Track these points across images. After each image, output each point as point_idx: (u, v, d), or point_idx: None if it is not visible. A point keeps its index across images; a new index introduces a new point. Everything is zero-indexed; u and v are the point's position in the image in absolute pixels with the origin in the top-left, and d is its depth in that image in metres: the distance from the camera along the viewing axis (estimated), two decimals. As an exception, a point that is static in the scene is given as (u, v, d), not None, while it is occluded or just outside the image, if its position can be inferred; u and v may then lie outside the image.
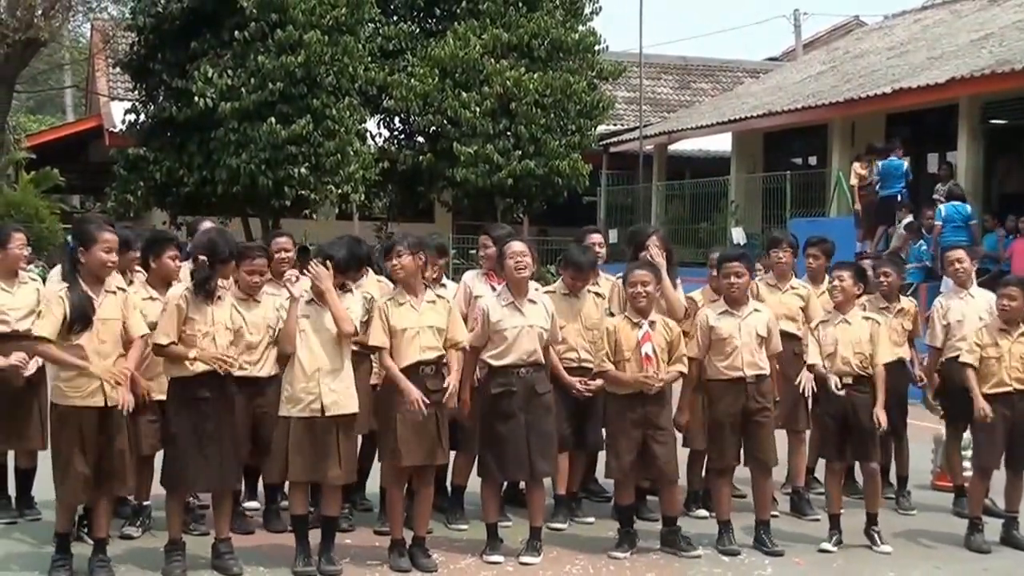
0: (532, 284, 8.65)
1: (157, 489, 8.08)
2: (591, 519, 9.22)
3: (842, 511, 8.87)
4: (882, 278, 9.93)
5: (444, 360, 7.93)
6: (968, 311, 9.60)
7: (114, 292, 7.44)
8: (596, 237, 9.60)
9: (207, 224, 9.30)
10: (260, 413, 8.25)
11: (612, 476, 8.42)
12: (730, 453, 8.53)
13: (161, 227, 22.75)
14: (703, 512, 9.43)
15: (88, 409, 7.26)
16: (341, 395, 7.68)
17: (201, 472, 7.58)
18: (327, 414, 7.61)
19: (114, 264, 7.46)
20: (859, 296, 8.99)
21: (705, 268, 10.03)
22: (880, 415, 8.57)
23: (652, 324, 8.30)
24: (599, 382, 8.54)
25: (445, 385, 7.87)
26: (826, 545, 8.66)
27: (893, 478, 10.04)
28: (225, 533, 7.80)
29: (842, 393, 8.56)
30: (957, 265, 9.81)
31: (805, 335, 9.32)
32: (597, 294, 9.07)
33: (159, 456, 8.02)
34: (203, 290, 7.56)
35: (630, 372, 8.20)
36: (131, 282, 8.42)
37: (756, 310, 8.66)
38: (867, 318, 8.83)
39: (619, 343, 8.26)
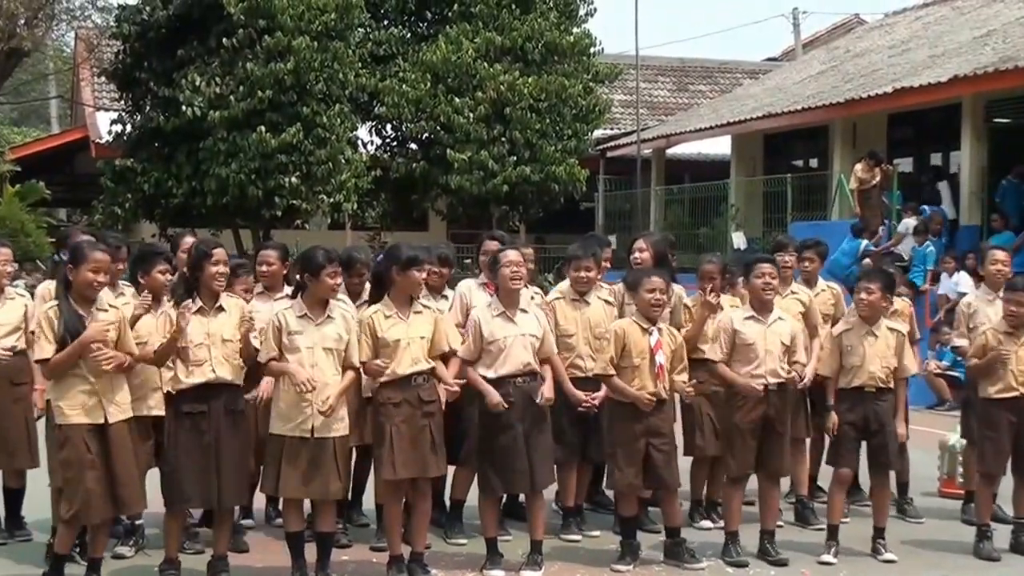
0: (532, 290, 8.86)
1: (150, 507, 8.03)
2: (596, 532, 9.12)
3: (844, 521, 8.91)
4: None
5: (435, 370, 7.88)
6: (995, 316, 9.25)
7: (105, 310, 7.37)
8: (605, 251, 9.56)
9: (189, 239, 9.23)
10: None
11: (616, 487, 8.32)
12: (747, 461, 8.46)
13: (151, 239, 22.75)
14: (707, 524, 9.38)
15: (90, 426, 7.20)
16: (331, 417, 7.53)
17: (199, 488, 7.55)
18: (316, 435, 7.51)
19: (101, 285, 7.36)
20: (887, 306, 8.90)
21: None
22: (901, 428, 8.64)
23: (659, 331, 8.23)
24: (602, 393, 8.46)
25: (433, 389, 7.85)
26: (827, 557, 8.55)
27: (893, 486, 9.73)
28: (223, 551, 7.79)
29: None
30: (1000, 267, 9.49)
31: (804, 341, 9.11)
32: (607, 301, 9.00)
33: (152, 475, 7.98)
34: (179, 303, 7.52)
35: (640, 380, 8.11)
36: (121, 294, 8.36)
37: (781, 318, 8.60)
38: (892, 329, 8.70)
39: (628, 348, 8.15)
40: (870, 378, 8.54)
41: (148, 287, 8.14)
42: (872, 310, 8.62)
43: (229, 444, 7.59)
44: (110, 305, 7.48)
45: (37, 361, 7.36)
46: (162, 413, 7.91)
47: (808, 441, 9.72)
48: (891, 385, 8.63)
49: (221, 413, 7.57)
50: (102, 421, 7.25)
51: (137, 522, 8.40)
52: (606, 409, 8.46)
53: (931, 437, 10.93)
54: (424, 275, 7.89)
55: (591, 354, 8.70)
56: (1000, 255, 9.61)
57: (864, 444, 8.70)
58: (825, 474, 9.73)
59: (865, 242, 19.29)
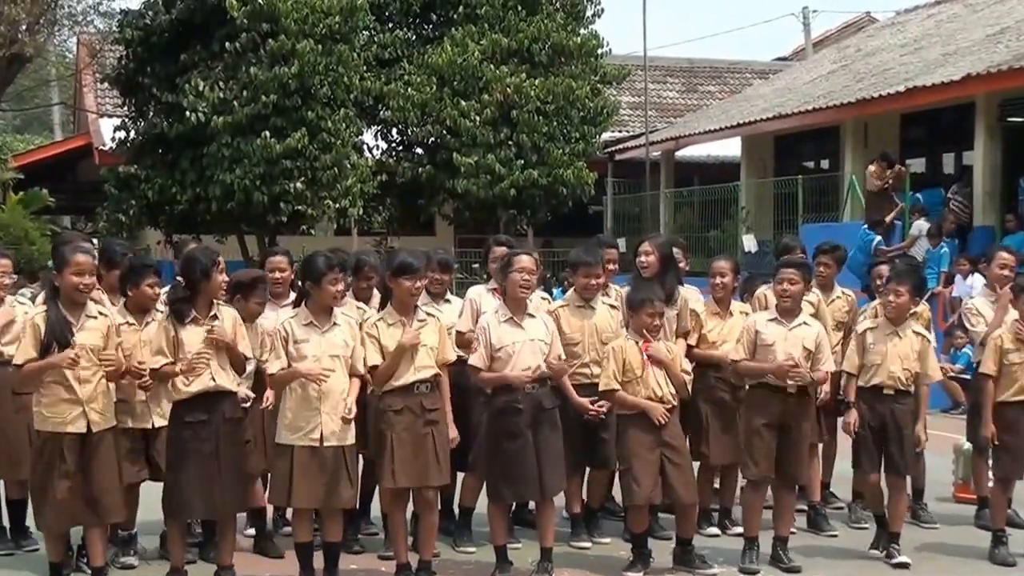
0: (538, 294, 8.79)
1: (143, 517, 8.23)
2: (607, 539, 9.08)
3: (860, 526, 9.12)
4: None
5: (439, 378, 7.85)
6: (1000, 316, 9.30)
7: (95, 317, 7.41)
8: (612, 253, 9.40)
9: (193, 246, 9.24)
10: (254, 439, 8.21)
11: (635, 502, 8.15)
12: (765, 464, 8.39)
13: (155, 246, 22.65)
14: (714, 530, 9.33)
15: (70, 435, 7.24)
16: (340, 425, 7.53)
17: (202, 498, 7.51)
18: (325, 444, 7.49)
19: (87, 287, 7.38)
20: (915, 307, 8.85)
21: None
22: (921, 433, 8.60)
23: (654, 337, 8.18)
24: (609, 402, 8.40)
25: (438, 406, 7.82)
26: (901, 558, 8.55)
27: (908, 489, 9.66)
28: (228, 560, 7.75)
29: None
30: (1007, 271, 9.48)
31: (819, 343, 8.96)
32: (612, 306, 8.90)
33: (148, 485, 8.11)
34: (175, 312, 7.49)
35: (645, 390, 8.06)
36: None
37: (806, 324, 8.51)
38: (918, 333, 8.61)
39: (628, 362, 8.10)
40: (889, 378, 8.47)
41: (136, 300, 8.11)
42: (899, 312, 8.56)
43: (230, 452, 7.56)
44: (99, 313, 7.46)
45: (14, 366, 7.35)
46: (147, 425, 8.05)
47: (820, 446, 9.63)
48: (911, 389, 8.55)
49: (221, 421, 7.52)
50: (85, 430, 7.27)
51: (132, 531, 8.37)
52: (617, 424, 8.32)
53: (945, 441, 10.79)
54: (418, 283, 7.78)
55: (598, 360, 8.58)
56: (1008, 258, 9.60)
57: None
58: (837, 480, 9.88)
59: (878, 238, 19.04)
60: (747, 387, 8.61)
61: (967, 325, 9.74)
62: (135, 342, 7.79)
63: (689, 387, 8.38)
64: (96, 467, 7.30)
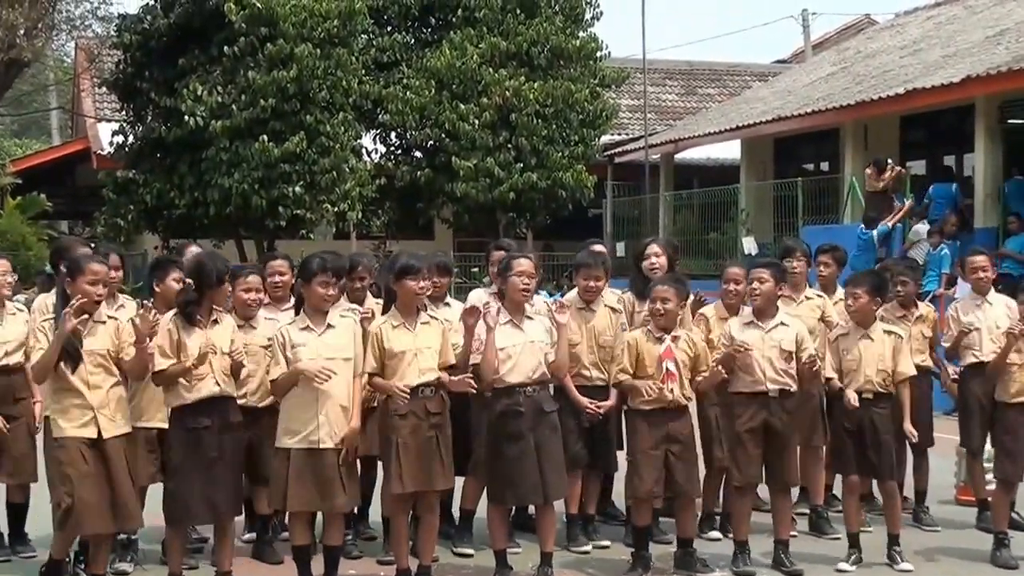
0: (538, 298, 8.74)
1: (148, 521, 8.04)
2: (607, 542, 9.02)
3: (864, 530, 8.77)
4: (899, 287, 9.60)
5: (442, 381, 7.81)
6: (984, 319, 9.30)
7: (103, 322, 7.35)
8: (598, 246, 9.41)
9: (194, 248, 9.35)
10: (256, 444, 8.10)
11: (636, 496, 8.16)
12: (751, 470, 8.35)
13: (153, 251, 22.76)
14: (716, 534, 9.22)
15: (82, 440, 7.19)
16: (339, 428, 7.47)
17: (205, 504, 7.50)
18: (322, 446, 7.41)
19: (101, 296, 7.33)
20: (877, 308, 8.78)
21: (717, 280, 9.62)
22: (909, 429, 8.48)
23: (675, 339, 8.12)
24: (610, 403, 8.52)
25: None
26: (844, 565, 8.43)
27: (910, 492, 9.74)
28: (227, 566, 7.73)
29: (856, 405, 8.38)
30: (981, 273, 9.48)
31: (822, 347, 8.98)
32: (613, 309, 8.87)
33: (151, 489, 8.05)
34: (187, 314, 7.47)
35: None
36: (121, 306, 8.31)
37: (783, 323, 8.41)
38: (889, 332, 8.58)
39: (641, 358, 8.10)
40: (866, 382, 8.41)
41: (162, 295, 8.17)
42: (862, 315, 8.52)
43: (229, 457, 7.56)
44: (108, 316, 7.41)
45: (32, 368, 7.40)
46: (164, 425, 7.92)
47: (824, 449, 9.53)
48: (891, 391, 8.48)
49: (223, 427, 7.53)
50: (95, 435, 7.21)
51: (132, 536, 8.31)
52: (626, 418, 8.34)
53: (948, 443, 10.68)
54: (422, 283, 7.74)
55: (596, 363, 8.65)
56: (980, 261, 9.56)
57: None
58: (840, 483, 9.57)
59: (874, 232, 18.96)
60: (728, 393, 8.49)
61: (946, 331, 9.66)
62: (159, 341, 7.69)
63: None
64: (111, 474, 7.26)
